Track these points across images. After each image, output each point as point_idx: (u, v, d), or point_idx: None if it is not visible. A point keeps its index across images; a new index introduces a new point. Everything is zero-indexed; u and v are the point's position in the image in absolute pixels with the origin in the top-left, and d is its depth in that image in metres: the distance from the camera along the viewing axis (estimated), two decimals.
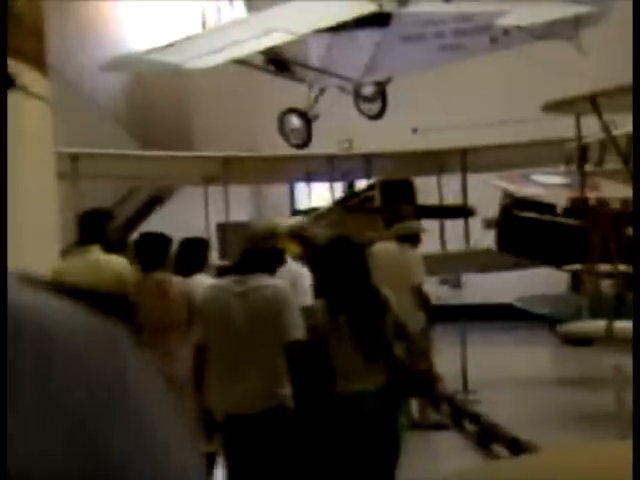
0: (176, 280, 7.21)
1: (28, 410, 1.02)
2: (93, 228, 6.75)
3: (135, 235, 8.26)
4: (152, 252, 7.18)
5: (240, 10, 16.31)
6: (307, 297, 6.81)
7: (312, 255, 6.53)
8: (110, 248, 6.79)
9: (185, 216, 16.27)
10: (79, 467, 1.03)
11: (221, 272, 8.73)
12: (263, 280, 5.66)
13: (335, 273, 5.78)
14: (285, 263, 6.14)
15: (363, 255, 5.92)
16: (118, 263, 6.60)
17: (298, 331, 5.52)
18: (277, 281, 5.74)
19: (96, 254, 6.61)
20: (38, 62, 7.90)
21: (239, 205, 18.07)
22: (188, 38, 14.87)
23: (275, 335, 5.51)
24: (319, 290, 6.13)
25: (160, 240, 7.40)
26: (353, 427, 5.57)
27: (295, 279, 6.89)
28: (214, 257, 16.32)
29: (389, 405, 5.66)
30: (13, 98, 6.12)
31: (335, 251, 5.91)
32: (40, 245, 7.56)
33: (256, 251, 5.78)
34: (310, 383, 5.61)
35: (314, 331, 5.58)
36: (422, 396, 5.86)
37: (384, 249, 10.55)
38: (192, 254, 7.74)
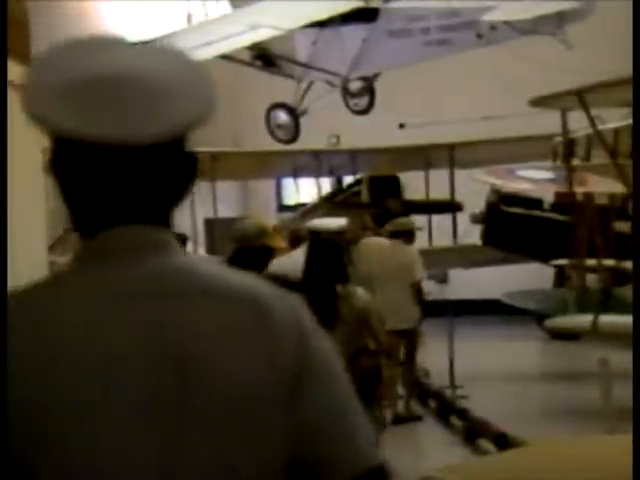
0: None
1: (259, 355, 1.56)
2: None
3: None
4: None
5: (225, 7, 16.27)
6: None
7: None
8: None
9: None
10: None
11: None
12: None
13: (304, 270, 6.06)
14: (273, 259, 6.20)
15: (333, 255, 6.11)
16: None
17: None
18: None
19: None
20: (24, 57, 7.87)
21: (226, 201, 18.05)
22: (174, 33, 14.84)
23: None
24: None
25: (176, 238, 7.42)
26: None
27: None
28: (201, 252, 16.31)
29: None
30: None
31: (309, 249, 6.24)
32: (27, 239, 7.54)
33: (247, 250, 5.90)
34: None
35: None
36: (365, 391, 6.04)
37: (377, 245, 10.61)
38: None
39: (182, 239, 8.08)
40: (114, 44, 1.60)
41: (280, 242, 6.49)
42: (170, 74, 1.56)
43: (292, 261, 7.03)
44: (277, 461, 1.57)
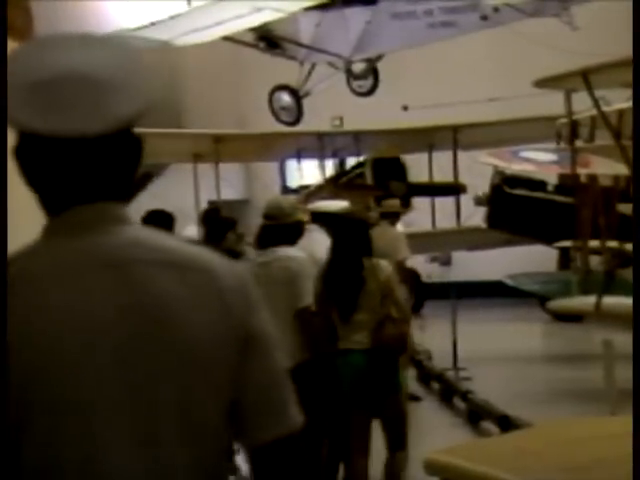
0: None
1: (213, 322, 1.81)
2: None
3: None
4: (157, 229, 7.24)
5: None
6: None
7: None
8: None
9: (176, 194, 16.23)
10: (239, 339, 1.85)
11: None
12: (285, 252, 6.20)
13: (332, 245, 6.44)
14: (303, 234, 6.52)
15: (359, 231, 6.47)
16: None
17: (309, 298, 6.11)
18: (298, 252, 6.23)
19: None
20: (26, 38, 7.86)
21: (229, 183, 18.03)
22: (177, 15, 14.80)
23: (291, 302, 6.07)
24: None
25: (164, 217, 7.60)
26: (343, 381, 6.15)
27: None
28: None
29: (377, 364, 6.14)
30: None
31: (336, 227, 6.57)
32: (33, 224, 7.54)
33: (279, 227, 6.27)
34: (315, 344, 6.14)
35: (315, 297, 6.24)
36: (392, 357, 6.28)
37: None
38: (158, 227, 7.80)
39: (170, 218, 8.17)
40: (70, 42, 1.85)
41: (305, 217, 6.81)
42: (115, 71, 1.81)
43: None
44: (226, 406, 1.84)
